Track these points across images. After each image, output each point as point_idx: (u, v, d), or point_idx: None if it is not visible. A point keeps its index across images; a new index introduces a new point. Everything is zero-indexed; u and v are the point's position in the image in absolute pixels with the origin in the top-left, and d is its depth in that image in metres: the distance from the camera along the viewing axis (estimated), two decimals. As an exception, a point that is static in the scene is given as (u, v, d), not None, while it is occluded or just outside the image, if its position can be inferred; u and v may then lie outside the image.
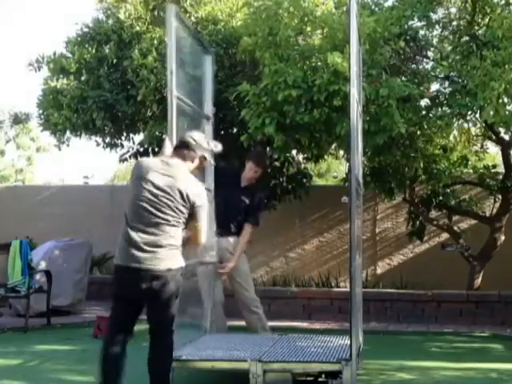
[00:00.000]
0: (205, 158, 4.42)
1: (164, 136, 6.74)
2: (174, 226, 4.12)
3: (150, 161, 4.42)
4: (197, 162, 4.38)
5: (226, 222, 6.19)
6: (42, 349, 6.83)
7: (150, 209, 4.09)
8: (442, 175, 8.89)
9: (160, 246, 4.07)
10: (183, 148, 4.36)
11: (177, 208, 4.11)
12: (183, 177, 4.21)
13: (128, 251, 4.09)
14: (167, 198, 4.10)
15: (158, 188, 4.12)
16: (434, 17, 8.18)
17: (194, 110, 5.58)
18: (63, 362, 6.16)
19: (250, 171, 6.35)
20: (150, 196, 4.10)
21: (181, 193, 4.12)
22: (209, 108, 6.02)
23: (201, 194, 4.26)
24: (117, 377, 4.13)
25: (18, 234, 9.14)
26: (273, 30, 7.43)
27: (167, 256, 4.09)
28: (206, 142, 4.49)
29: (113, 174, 27.57)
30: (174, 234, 4.13)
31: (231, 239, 6.29)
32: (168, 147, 4.66)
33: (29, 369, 5.95)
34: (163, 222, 4.09)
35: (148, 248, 4.06)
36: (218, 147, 4.60)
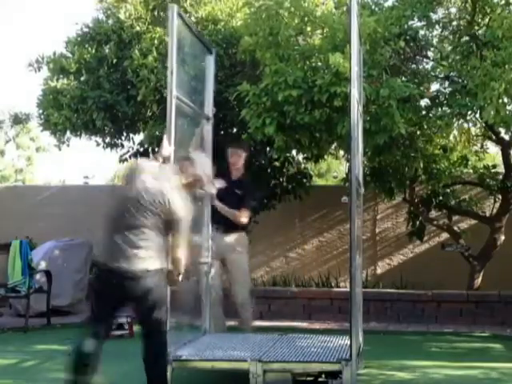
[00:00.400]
0: (198, 181, 4.41)
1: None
2: (152, 230, 4.10)
3: (144, 163, 4.41)
4: (191, 180, 4.37)
5: (224, 218, 6.19)
6: (42, 349, 6.83)
7: (133, 211, 4.09)
8: (442, 175, 8.90)
9: (138, 248, 4.07)
10: (186, 159, 4.39)
11: (158, 214, 4.10)
12: (171, 186, 4.19)
13: (110, 251, 4.14)
14: (151, 203, 4.09)
15: (145, 191, 4.11)
16: (434, 17, 8.17)
17: (193, 110, 5.57)
18: (63, 362, 6.14)
19: (236, 158, 6.37)
20: (136, 198, 4.11)
21: (164, 201, 4.10)
22: (209, 108, 6.01)
23: (183, 208, 4.20)
24: (88, 371, 4.16)
25: (17, 234, 9.13)
26: (273, 30, 7.43)
27: (145, 257, 4.08)
28: (208, 172, 4.48)
29: (113, 174, 27.56)
30: (153, 238, 4.11)
31: (234, 235, 6.29)
32: (165, 147, 4.65)
33: (29, 369, 5.95)
34: (143, 224, 4.08)
35: (128, 249, 4.06)
36: (210, 188, 4.63)
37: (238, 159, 6.40)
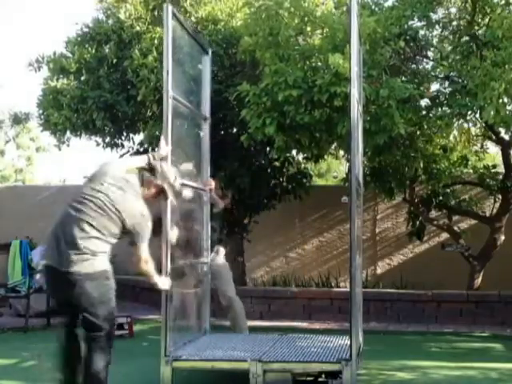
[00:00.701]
0: (162, 191, 4.38)
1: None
2: (97, 237, 4.05)
3: (115, 166, 4.37)
4: (153, 191, 4.37)
5: None
6: (42, 349, 6.82)
7: (84, 209, 4.08)
8: (442, 175, 8.90)
9: (78, 249, 4.02)
10: (147, 171, 4.37)
11: (109, 222, 4.08)
12: (131, 199, 4.18)
13: (52, 251, 4.17)
14: (104, 209, 4.07)
15: (102, 193, 4.11)
16: (434, 17, 8.18)
17: (190, 110, 5.57)
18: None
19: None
20: (89, 198, 4.11)
21: (119, 212, 4.09)
22: (206, 108, 6.01)
23: (141, 223, 4.17)
24: (75, 364, 4.14)
25: (17, 234, 9.14)
26: (273, 30, 7.43)
27: (82, 259, 4.01)
28: (174, 176, 4.45)
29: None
30: (97, 242, 4.06)
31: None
32: (163, 147, 4.64)
33: (29, 369, 5.95)
34: (89, 227, 4.04)
35: (67, 250, 4.04)
36: (182, 190, 4.61)
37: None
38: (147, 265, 4.25)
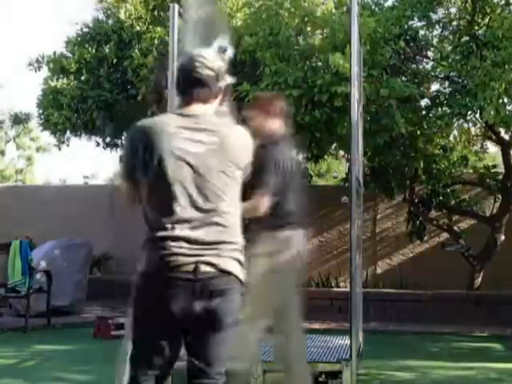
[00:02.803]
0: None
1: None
2: None
3: None
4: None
5: None
6: (42, 349, 6.83)
7: None
8: (442, 175, 8.90)
9: None
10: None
11: None
12: None
13: None
14: None
15: None
16: (434, 17, 8.18)
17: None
18: (63, 362, 6.16)
19: None
20: None
21: None
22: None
23: None
24: None
25: (17, 234, 9.13)
26: (273, 30, 7.44)
27: None
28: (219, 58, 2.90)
29: (113, 173, 27.50)
30: None
31: None
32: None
33: (29, 369, 5.94)
34: None
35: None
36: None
37: None
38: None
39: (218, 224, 2.61)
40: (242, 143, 2.76)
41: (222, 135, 2.67)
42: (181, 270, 2.54)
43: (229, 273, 2.61)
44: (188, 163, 2.60)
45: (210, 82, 2.73)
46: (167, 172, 2.58)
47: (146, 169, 2.62)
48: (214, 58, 2.80)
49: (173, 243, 2.55)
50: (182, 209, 2.58)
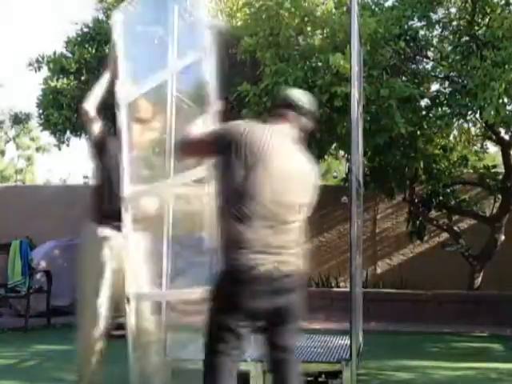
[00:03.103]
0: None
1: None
2: None
3: None
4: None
5: None
6: (42, 349, 6.83)
7: None
8: (442, 175, 8.91)
9: None
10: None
11: None
12: None
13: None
14: None
15: None
16: (434, 17, 8.19)
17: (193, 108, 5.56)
18: (63, 362, 6.15)
19: None
20: None
21: None
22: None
23: None
24: None
25: (18, 234, 9.14)
26: (273, 30, 7.44)
27: None
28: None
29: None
30: None
31: None
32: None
33: (29, 369, 5.95)
34: None
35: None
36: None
37: None
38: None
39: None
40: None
41: None
42: (262, 269, 2.85)
43: (299, 270, 2.99)
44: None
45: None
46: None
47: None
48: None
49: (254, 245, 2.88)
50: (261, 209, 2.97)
